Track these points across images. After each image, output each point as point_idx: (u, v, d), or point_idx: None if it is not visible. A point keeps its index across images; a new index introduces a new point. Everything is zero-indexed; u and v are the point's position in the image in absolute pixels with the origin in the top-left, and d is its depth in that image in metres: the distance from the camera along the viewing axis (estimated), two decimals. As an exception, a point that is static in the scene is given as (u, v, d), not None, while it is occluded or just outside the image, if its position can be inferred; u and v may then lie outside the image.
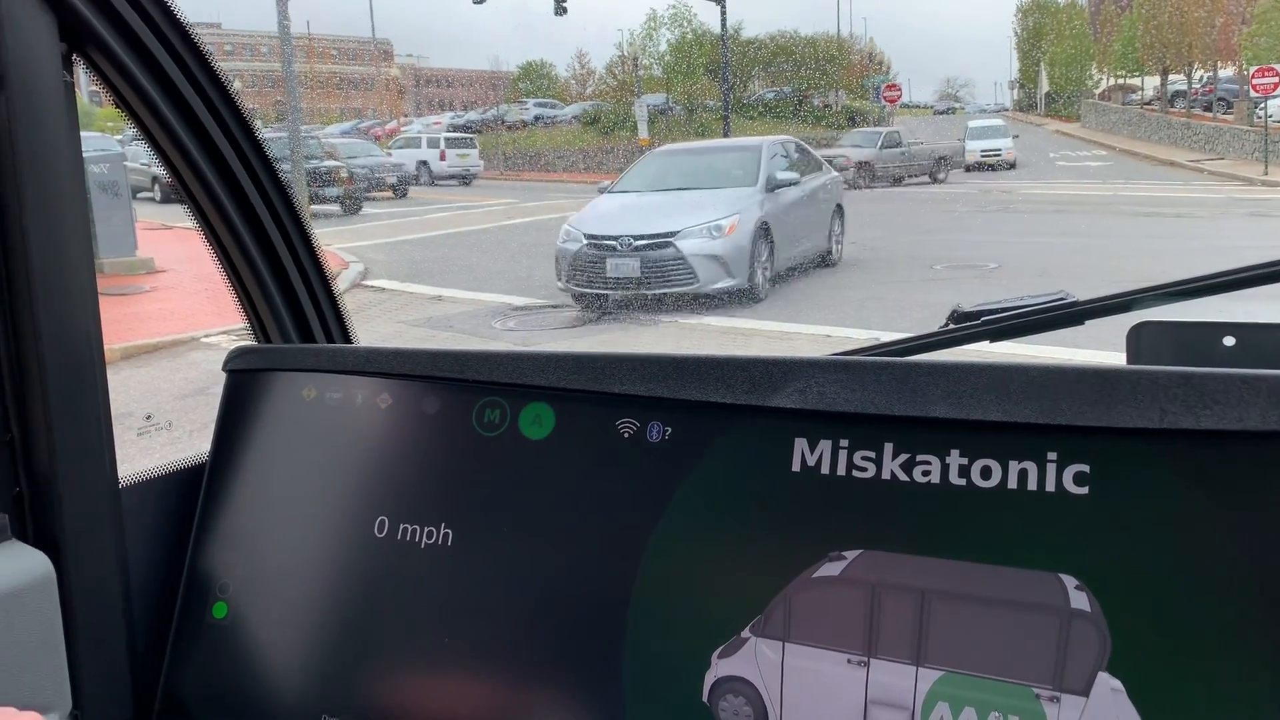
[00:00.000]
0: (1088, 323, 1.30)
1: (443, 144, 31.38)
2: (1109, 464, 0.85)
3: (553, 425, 1.09)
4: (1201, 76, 38.76)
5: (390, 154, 29.68)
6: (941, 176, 27.57)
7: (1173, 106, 38.67)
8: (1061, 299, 1.31)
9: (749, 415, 0.99)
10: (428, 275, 11.91)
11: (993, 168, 30.23)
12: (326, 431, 1.21)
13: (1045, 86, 58.22)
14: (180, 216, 1.36)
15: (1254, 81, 25.88)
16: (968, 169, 30.13)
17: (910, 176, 27.34)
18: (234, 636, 1.18)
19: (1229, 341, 1.17)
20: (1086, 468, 0.85)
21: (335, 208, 20.31)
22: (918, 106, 74.38)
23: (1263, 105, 27.05)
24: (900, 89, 36.51)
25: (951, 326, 1.36)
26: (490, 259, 13.56)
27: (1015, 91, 72.27)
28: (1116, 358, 1.27)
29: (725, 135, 32.06)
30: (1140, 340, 1.24)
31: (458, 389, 1.15)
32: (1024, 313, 1.32)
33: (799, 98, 38.72)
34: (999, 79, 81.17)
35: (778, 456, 0.97)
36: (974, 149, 31.12)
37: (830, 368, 0.97)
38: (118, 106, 1.21)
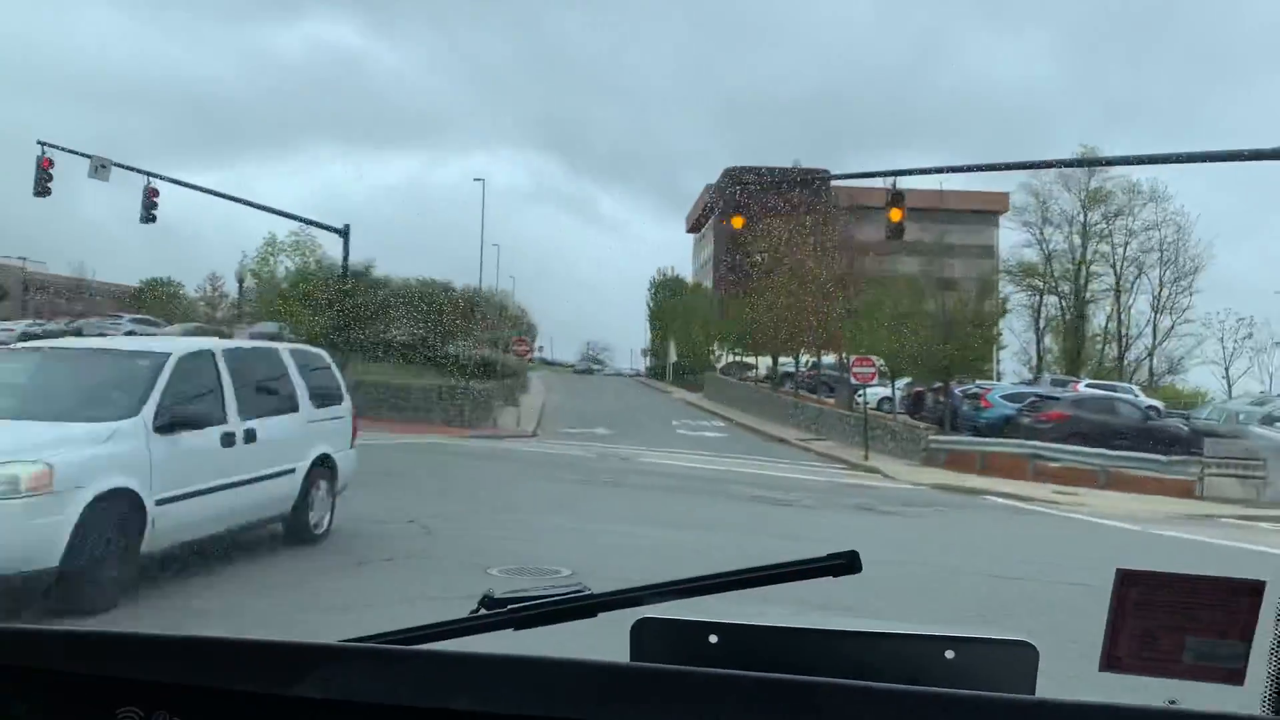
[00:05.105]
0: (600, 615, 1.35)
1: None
2: None
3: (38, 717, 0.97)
4: (807, 360, 41.79)
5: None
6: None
7: (782, 386, 41.27)
8: (579, 591, 1.38)
9: (271, 706, 0.94)
10: None
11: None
12: None
13: (673, 356, 61.50)
14: None
15: (854, 370, 27.52)
16: None
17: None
18: None
19: (713, 639, 1.34)
20: None
21: None
22: (559, 365, 76.89)
23: (861, 392, 28.99)
24: (527, 343, 36.37)
25: (483, 612, 1.39)
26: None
27: (648, 359, 76.34)
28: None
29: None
30: (642, 635, 1.36)
31: None
32: (546, 602, 1.37)
33: (429, 344, 37.16)
34: (634, 346, 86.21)
35: None
36: None
37: (358, 655, 0.97)
38: None
